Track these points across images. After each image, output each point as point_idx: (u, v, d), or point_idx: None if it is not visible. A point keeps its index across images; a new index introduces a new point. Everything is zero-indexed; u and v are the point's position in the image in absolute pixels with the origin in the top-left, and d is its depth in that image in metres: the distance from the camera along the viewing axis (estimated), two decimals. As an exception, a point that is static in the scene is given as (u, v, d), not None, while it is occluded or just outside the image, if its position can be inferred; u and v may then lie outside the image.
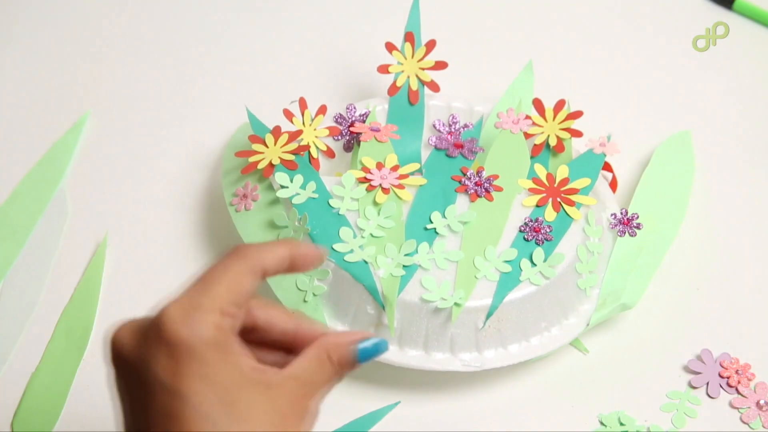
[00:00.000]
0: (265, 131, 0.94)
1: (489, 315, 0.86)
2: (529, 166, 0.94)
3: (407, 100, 0.99)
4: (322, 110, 0.97)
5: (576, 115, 0.96)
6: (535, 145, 0.95)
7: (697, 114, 1.07)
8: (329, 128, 0.97)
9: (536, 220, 0.90)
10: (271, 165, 0.92)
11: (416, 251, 0.88)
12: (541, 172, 0.93)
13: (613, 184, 0.97)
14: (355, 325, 0.87)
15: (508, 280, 0.87)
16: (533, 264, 0.88)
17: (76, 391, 0.90)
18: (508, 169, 0.93)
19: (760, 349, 0.91)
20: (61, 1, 1.16)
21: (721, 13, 1.14)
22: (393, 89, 0.99)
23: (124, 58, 1.12)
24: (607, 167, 0.96)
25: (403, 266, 0.87)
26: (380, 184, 0.92)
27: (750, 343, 0.91)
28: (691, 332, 0.92)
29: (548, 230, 0.90)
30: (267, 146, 0.93)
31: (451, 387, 0.89)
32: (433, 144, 0.97)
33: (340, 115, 0.98)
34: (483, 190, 0.92)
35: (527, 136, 0.95)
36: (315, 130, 0.96)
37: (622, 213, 0.93)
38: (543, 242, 0.89)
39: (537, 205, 0.91)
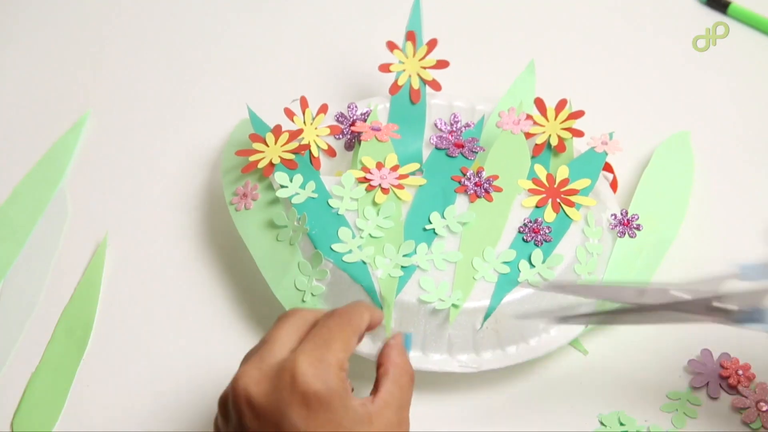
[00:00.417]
0: (265, 130, 0.94)
1: (487, 316, 0.86)
2: (529, 167, 0.94)
3: (409, 99, 0.99)
4: (323, 109, 0.97)
5: (577, 114, 0.96)
6: (536, 144, 0.95)
7: (697, 114, 1.07)
8: (330, 127, 0.97)
9: (535, 221, 0.90)
10: (271, 164, 0.92)
11: (415, 252, 0.88)
12: (541, 172, 0.93)
13: (614, 185, 0.97)
14: None
15: (507, 282, 0.87)
16: (532, 265, 0.88)
17: (76, 391, 0.90)
18: (508, 169, 0.93)
19: (760, 349, 0.91)
20: (61, 2, 1.16)
21: (716, 17, 1.14)
22: (394, 88, 0.99)
23: (124, 58, 1.12)
24: (607, 168, 0.96)
25: (402, 267, 0.87)
26: (380, 184, 0.92)
27: (750, 343, 0.91)
28: (691, 332, 0.92)
29: (547, 231, 0.90)
30: (267, 145, 0.93)
31: (449, 387, 0.89)
32: (434, 143, 0.96)
33: (341, 113, 0.98)
34: (482, 190, 0.92)
35: (528, 135, 0.95)
36: (316, 129, 0.96)
37: (622, 214, 0.93)
38: (542, 243, 0.89)
39: (536, 206, 0.91)
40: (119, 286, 0.95)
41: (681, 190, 0.98)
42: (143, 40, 1.13)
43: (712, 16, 1.14)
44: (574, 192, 0.92)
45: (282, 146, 0.93)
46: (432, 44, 0.99)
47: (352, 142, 0.98)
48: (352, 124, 0.97)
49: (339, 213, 0.90)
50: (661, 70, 1.11)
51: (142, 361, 0.91)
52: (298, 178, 0.91)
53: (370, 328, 0.77)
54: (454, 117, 0.98)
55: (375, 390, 0.75)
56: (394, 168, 0.93)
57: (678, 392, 0.89)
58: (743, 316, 0.76)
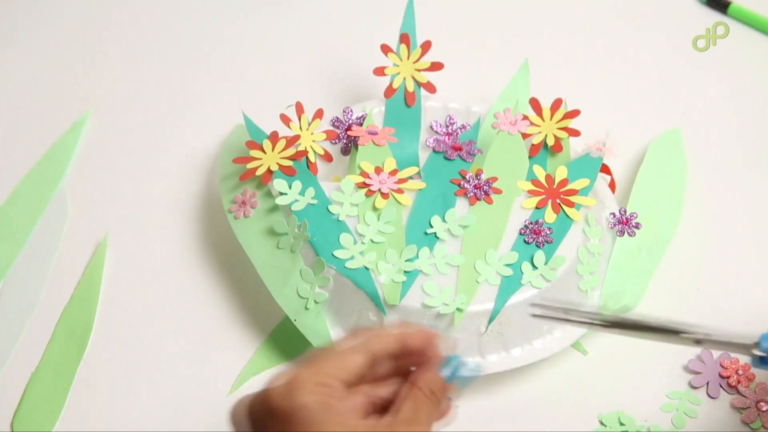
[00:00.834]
0: (262, 136, 0.94)
1: (491, 319, 0.86)
2: (527, 168, 0.94)
3: (404, 102, 0.99)
4: (319, 114, 0.96)
5: (573, 114, 0.96)
6: (533, 145, 0.95)
7: (696, 114, 1.07)
8: (326, 132, 0.96)
9: (536, 222, 0.90)
10: (269, 171, 0.91)
11: (417, 256, 0.88)
12: (539, 173, 0.93)
13: (612, 187, 0.97)
14: None
15: (510, 284, 0.87)
16: (534, 267, 0.88)
17: (76, 391, 0.90)
18: (507, 171, 0.93)
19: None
20: (61, 2, 1.16)
21: (716, 17, 1.14)
22: (389, 91, 0.99)
23: (124, 58, 1.12)
24: (605, 169, 0.96)
25: (405, 272, 0.87)
26: (379, 189, 0.91)
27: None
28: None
29: (548, 232, 0.90)
30: (265, 152, 0.92)
31: (451, 387, 0.89)
32: (430, 146, 0.96)
33: (337, 118, 0.98)
34: (482, 192, 0.92)
35: (525, 136, 0.95)
36: (312, 134, 0.95)
37: (620, 212, 0.93)
38: (543, 244, 0.89)
39: (536, 207, 0.91)
40: (119, 286, 0.95)
41: (676, 187, 0.98)
42: (143, 40, 1.13)
43: (712, 16, 1.14)
44: (573, 192, 0.92)
45: (279, 153, 0.92)
46: (426, 46, 0.99)
47: (349, 146, 0.98)
48: (348, 128, 0.97)
49: (339, 219, 0.90)
50: (661, 70, 1.11)
51: (142, 361, 0.91)
52: (297, 184, 0.91)
53: (411, 349, 0.71)
54: (450, 119, 0.98)
55: (394, 405, 0.70)
56: (393, 172, 0.92)
57: (678, 392, 0.89)
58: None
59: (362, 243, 0.88)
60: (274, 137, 0.93)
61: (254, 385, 0.90)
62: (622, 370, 0.90)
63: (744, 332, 0.76)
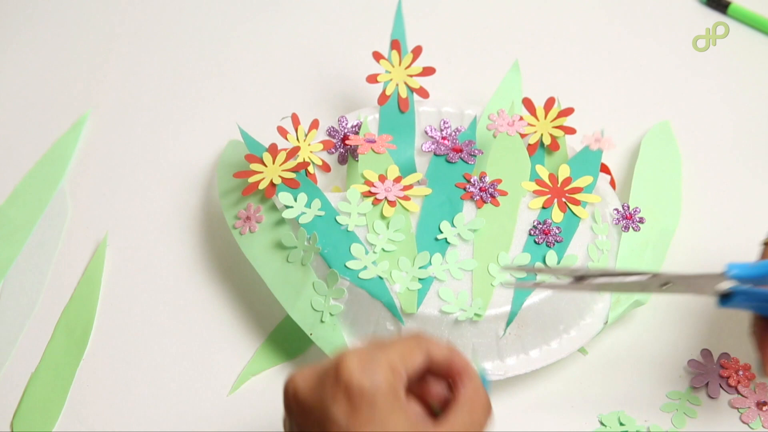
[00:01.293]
0: (260, 149, 0.93)
1: (509, 322, 0.86)
2: (530, 168, 0.94)
3: (398, 108, 0.99)
4: (315, 124, 0.96)
5: (567, 112, 0.96)
6: (529, 144, 0.95)
7: (696, 114, 1.07)
8: (323, 142, 0.96)
9: (544, 222, 0.90)
10: (272, 185, 0.91)
11: (430, 263, 0.88)
12: (543, 173, 0.93)
13: (612, 185, 0.97)
14: None
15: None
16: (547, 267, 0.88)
17: (76, 391, 0.90)
18: (510, 172, 0.93)
19: (740, 342, 0.91)
20: (61, 2, 1.16)
21: (716, 17, 1.14)
22: (383, 98, 0.99)
23: (124, 57, 1.12)
24: (604, 169, 0.96)
25: (419, 279, 0.87)
26: (386, 197, 0.91)
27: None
28: (691, 332, 0.92)
29: (557, 231, 0.90)
30: (265, 165, 0.92)
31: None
32: (426, 150, 0.96)
33: (333, 128, 0.98)
34: (488, 195, 0.91)
35: (521, 136, 0.95)
36: (309, 145, 0.95)
37: (624, 208, 0.93)
38: (554, 244, 0.89)
39: (543, 207, 0.91)
40: (119, 286, 0.95)
41: (673, 179, 0.99)
42: (143, 40, 1.13)
43: (712, 16, 1.15)
44: (578, 190, 0.92)
45: (281, 165, 0.92)
46: (417, 52, 0.99)
47: (345, 155, 0.98)
48: (345, 137, 0.97)
49: (348, 230, 0.89)
50: (661, 70, 1.11)
51: (142, 361, 0.91)
52: (302, 197, 0.90)
53: (452, 372, 0.71)
54: (444, 123, 0.98)
55: (443, 414, 0.70)
56: (398, 179, 0.92)
57: (678, 392, 0.89)
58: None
59: (374, 252, 0.88)
60: (273, 150, 0.92)
61: (254, 385, 0.90)
62: (622, 370, 0.90)
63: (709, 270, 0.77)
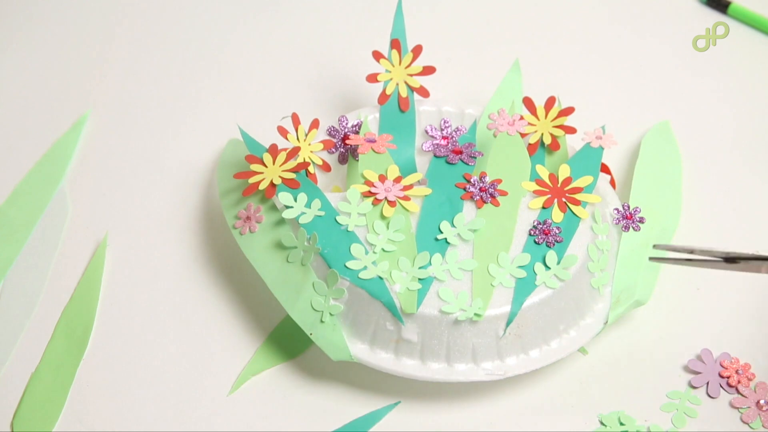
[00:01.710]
0: (260, 149, 0.93)
1: (509, 322, 0.86)
2: (530, 168, 0.94)
3: (398, 108, 0.99)
4: (315, 124, 0.96)
5: (568, 111, 0.96)
6: (530, 144, 0.95)
7: (696, 114, 1.07)
8: (323, 142, 0.96)
9: (544, 222, 0.90)
10: (272, 185, 0.91)
11: (430, 263, 0.88)
12: (543, 172, 0.93)
13: (612, 185, 0.97)
14: (375, 342, 0.87)
15: (525, 286, 0.87)
16: (547, 267, 0.88)
17: (76, 391, 0.90)
18: (510, 172, 0.93)
19: (760, 349, 0.91)
20: (61, 3, 1.16)
21: (716, 17, 1.14)
22: (383, 98, 0.99)
23: (124, 57, 1.12)
24: (604, 169, 0.96)
25: (419, 279, 0.87)
26: (386, 197, 0.91)
27: (750, 343, 0.91)
28: (691, 332, 0.92)
29: (557, 231, 0.90)
30: (266, 165, 0.92)
31: (450, 388, 0.89)
32: (426, 150, 0.96)
33: (333, 127, 0.98)
34: (488, 195, 0.91)
35: (521, 135, 0.95)
36: (309, 145, 0.95)
37: (624, 208, 0.93)
38: (554, 244, 0.89)
39: (543, 207, 0.91)
40: (119, 286, 0.95)
41: (673, 179, 0.99)
42: (143, 40, 1.13)
43: (712, 16, 1.15)
44: (578, 190, 0.92)
45: (281, 166, 0.92)
46: (417, 51, 0.99)
47: (346, 155, 0.98)
48: (345, 137, 0.97)
49: (348, 230, 0.89)
50: (661, 70, 1.11)
51: (142, 361, 0.91)
52: (302, 197, 0.90)
53: None
54: (444, 122, 0.98)
55: None
56: (398, 179, 0.92)
57: (678, 392, 0.89)
58: None
59: (374, 252, 0.88)
60: (273, 150, 0.93)
61: (254, 385, 0.90)
62: (622, 370, 0.90)
63: None
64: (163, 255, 0.97)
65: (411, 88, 0.99)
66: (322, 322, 0.87)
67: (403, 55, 0.99)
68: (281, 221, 0.91)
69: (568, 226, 0.90)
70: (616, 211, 0.93)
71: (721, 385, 0.89)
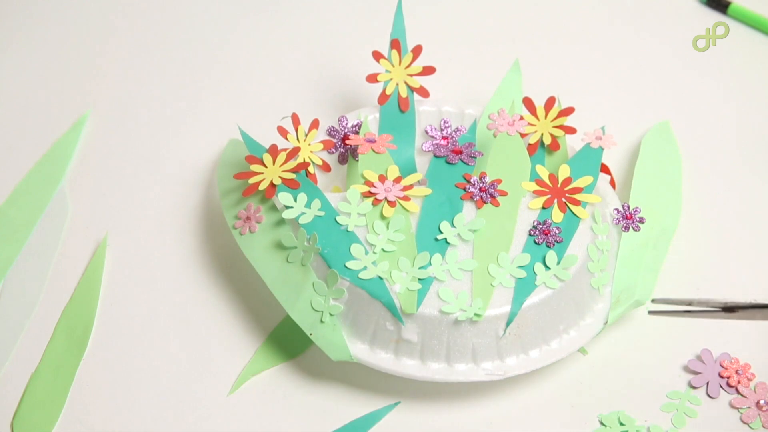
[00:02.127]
0: (260, 150, 0.94)
1: (509, 322, 0.86)
2: (530, 168, 0.94)
3: (398, 108, 0.99)
4: (315, 124, 0.96)
5: (568, 111, 0.96)
6: (529, 144, 0.95)
7: (696, 114, 1.07)
8: (323, 142, 0.96)
9: (544, 223, 0.90)
10: (272, 185, 0.91)
11: (430, 263, 0.87)
12: (543, 173, 0.93)
13: (611, 185, 0.97)
14: (375, 342, 0.87)
15: (524, 286, 0.87)
16: (547, 267, 0.88)
17: (76, 391, 0.90)
18: (510, 172, 0.93)
19: (760, 349, 0.91)
20: (61, 2, 1.16)
21: (716, 17, 1.14)
22: (383, 98, 0.98)
23: (124, 57, 1.12)
24: (604, 169, 0.96)
25: (419, 279, 0.87)
26: (386, 198, 0.91)
27: (750, 343, 0.91)
28: (691, 332, 0.92)
29: (557, 232, 0.90)
30: (266, 166, 0.92)
31: (450, 388, 0.89)
32: (426, 150, 0.96)
33: (333, 127, 0.98)
34: (488, 195, 0.91)
35: (521, 135, 0.95)
36: (309, 145, 0.95)
37: (624, 208, 0.93)
38: (554, 244, 0.89)
39: (543, 207, 0.91)
40: (119, 286, 0.95)
41: (673, 179, 0.99)
42: (143, 40, 1.13)
43: (712, 16, 1.15)
44: (578, 190, 0.92)
45: (281, 166, 0.92)
46: (417, 51, 0.99)
47: (346, 155, 0.98)
48: (345, 137, 0.97)
49: (348, 230, 0.89)
50: (661, 70, 1.11)
51: (142, 361, 0.91)
52: (302, 197, 0.90)
53: None
54: (444, 122, 0.98)
55: None
56: (398, 180, 0.92)
57: (678, 392, 0.89)
58: None
59: (374, 253, 0.88)
60: (273, 151, 0.92)
61: (254, 385, 0.90)
62: (622, 370, 0.90)
63: None
64: (163, 255, 0.97)
65: (411, 88, 0.99)
66: (322, 322, 0.87)
67: (403, 55, 0.99)
68: (281, 221, 0.91)
69: (568, 226, 0.90)
70: (616, 211, 0.93)
71: (721, 385, 0.89)
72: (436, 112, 0.99)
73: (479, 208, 0.91)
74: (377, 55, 0.99)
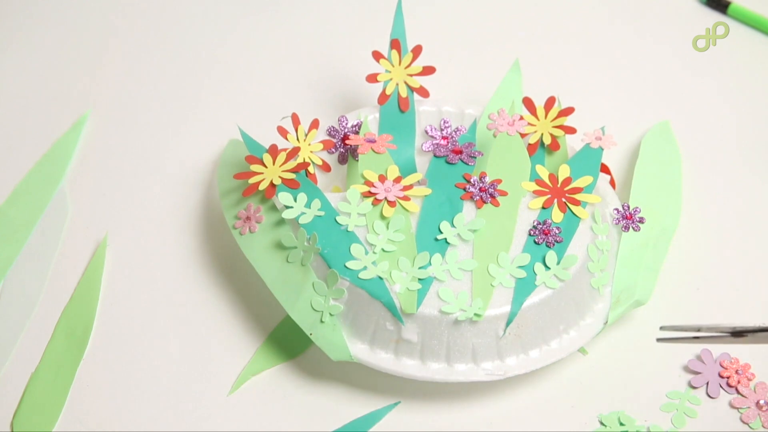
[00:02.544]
0: (260, 150, 0.94)
1: (509, 322, 0.86)
2: (530, 168, 0.94)
3: (398, 108, 0.99)
4: (315, 124, 0.96)
5: (567, 111, 0.96)
6: (529, 144, 0.95)
7: (696, 114, 1.07)
8: (323, 142, 0.96)
9: (544, 223, 0.90)
10: (272, 185, 0.91)
11: (430, 263, 0.87)
12: (543, 173, 0.93)
13: (611, 185, 0.97)
14: (375, 343, 0.87)
15: (524, 286, 0.87)
16: (547, 267, 0.88)
17: (76, 391, 0.90)
18: (510, 172, 0.93)
19: (760, 349, 0.91)
20: (61, 2, 1.16)
21: (716, 17, 1.14)
22: (383, 98, 0.98)
23: (124, 57, 1.12)
24: (604, 169, 0.96)
25: (419, 279, 0.87)
26: (386, 197, 0.91)
27: (750, 344, 0.91)
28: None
29: (557, 232, 0.90)
30: (266, 166, 0.92)
31: (450, 388, 0.89)
32: (426, 150, 0.96)
33: (333, 127, 0.98)
34: (488, 195, 0.91)
35: (521, 135, 0.95)
36: (309, 145, 0.95)
37: (624, 208, 0.93)
38: (554, 244, 0.89)
39: (543, 207, 0.91)
40: (119, 286, 0.95)
41: (673, 179, 0.99)
42: (142, 40, 1.13)
43: (712, 16, 1.15)
44: (578, 190, 0.92)
45: (281, 166, 0.92)
46: (417, 51, 0.99)
47: (345, 155, 0.98)
48: (345, 137, 0.97)
49: (348, 230, 0.89)
50: (661, 70, 1.11)
51: (142, 361, 0.91)
52: (302, 197, 0.90)
53: None
54: (444, 122, 0.98)
55: None
56: (397, 180, 0.92)
57: (678, 392, 0.89)
58: None
59: (374, 253, 0.88)
60: (273, 151, 0.92)
61: (254, 385, 0.90)
62: (622, 370, 0.90)
63: None
64: (163, 255, 0.97)
65: (411, 88, 0.99)
66: (322, 322, 0.87)
67: (403, 55, 0.99)
68: (281, 221, 0.91)
69: (568, 226, 0.90)
70: (616, 211, 0.93)
71: (720, 385, 0.89)
72: (436, 112, 0.99)
73: (479, 208, 0.91)
74: (377, 55, 0.99)
